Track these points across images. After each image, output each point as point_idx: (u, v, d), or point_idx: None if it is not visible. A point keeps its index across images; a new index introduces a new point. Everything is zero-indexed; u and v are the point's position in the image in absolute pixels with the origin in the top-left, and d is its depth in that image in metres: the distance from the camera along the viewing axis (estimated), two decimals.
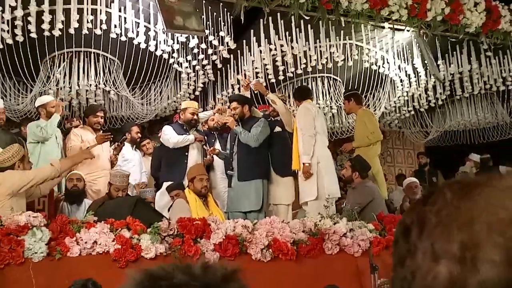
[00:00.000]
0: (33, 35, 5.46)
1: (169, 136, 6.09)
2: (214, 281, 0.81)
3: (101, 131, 6.18)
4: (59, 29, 5.48)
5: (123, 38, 5.83)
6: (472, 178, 0.57)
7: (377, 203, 5.53)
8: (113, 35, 5.77)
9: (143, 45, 5.93)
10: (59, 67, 6.41)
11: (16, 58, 5.94)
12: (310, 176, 5.57)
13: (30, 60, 5.98)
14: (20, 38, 5.48)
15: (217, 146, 6.39)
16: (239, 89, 6.99)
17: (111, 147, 6.23)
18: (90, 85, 6.55)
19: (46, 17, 5.32)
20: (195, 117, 6.28)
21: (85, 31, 5.60)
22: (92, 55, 6.48)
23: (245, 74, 6.68)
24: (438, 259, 0.52)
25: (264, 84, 6.52)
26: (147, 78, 6.88)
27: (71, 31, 5.55)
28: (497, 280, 0.48)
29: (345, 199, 6.24)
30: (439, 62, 7.15)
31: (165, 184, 5.98)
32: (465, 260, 0.50)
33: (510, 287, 0.47)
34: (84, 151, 5.38)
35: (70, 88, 6.56)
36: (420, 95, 8.00)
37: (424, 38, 6.73)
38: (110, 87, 6.61)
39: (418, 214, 0.56)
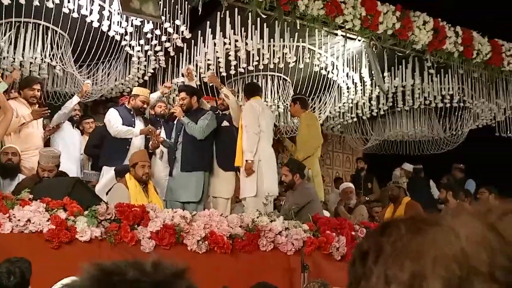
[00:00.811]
0: None
1: (113, 122, 6.00)
2: (164, 278, 0.83)
3: (37, 106, 5.84)
4: None
5: (76, 15, 5.69)
6: (424, 216, 0.65)
7: (315, 204, 5.70)
8: (65, 10, 5.62)
9: (95, 24, 5.80)
10: (4, 36, 6.16)
11: None
12: (252, 173, 5.66)
13: None
14: None
15: (162, 133, 6.36)
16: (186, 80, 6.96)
17: (45, 130, 6.00)
18: (36, 58, 6.33)
19: None
20: (145, 105, 6.23)
21: (36, 2, 5.43)
22: (41, 27, 6.27)
23: (196, 65, 6.67)
24: (389, 284, 0.59)
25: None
26: (96, 57, 6.73)
27: (22, 0, 5.36)
28: None
29: (283, 197, 6.38)
30: (385, 74, 7.39)
31: (105, 169, 5.90)
32: (413, 287, 0.57)
33: None
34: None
35: (14, 59, 6.32)
36: (364, 103, 8.26)
37: (374, 49, 6.94)
38: (57, 62, 6.42)
39: (375, 242, 0.64)
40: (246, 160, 5.65)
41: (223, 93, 6.09)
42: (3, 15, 5.80)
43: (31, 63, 6.57)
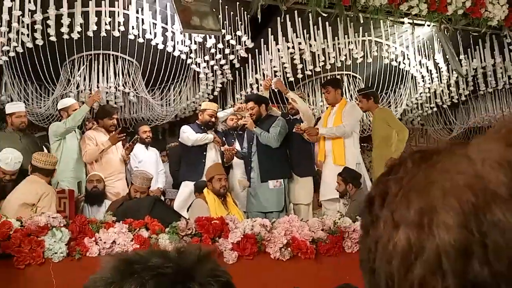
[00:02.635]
0: (53, 38, 5.53)
1: (188, 133, 6.11)
2: (188, 263, 0.84)
3: (113, 132, 6.01)
4: (78, 32, 5.54)
5: (141, 40, 5.86)
6: (433, 147, 0.57)
7: None
8: (131, 37, 5.81)
9: (160, 46, 5.95)
10: (79, 70, 6.48)
11: (36, 62, 6.02)
12: None
13: (50, 63, 6.06)
14: (40, 42, 5.56)
15: (237, 145, 6.39)
16: (257, 88, 6.97)
17: (124, 148, 6.18)
18: (110, 87, 6.60)
19: (65, 20, 5.38)
20: (213, 119, 6.27)
21: (103, 33, 5.65)
22: (111, 57, 6.53)
23: (266, 76, 6.66)
24: (398, 227, 0.51)
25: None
26: (165, 79, 6.91)
27: (90, 33, 5.60)
28: (452, 243, 0.47)
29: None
30: (461, 57, 7.02)
31: (184, 184, 5.98)
32: (422, 225, 0.49)
33: (463, 249, 0.47)
34: None
35: (90, 90, 6.61)
36: (442, 91, 7.87)
37: (445, 32, 6.61)
38: (129, 89, 6.65)
39: (381, 184, 0.56)
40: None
41: (290, 97, 6.01)
42: (75, 50, 6.08)
43: (106, 92, 6.87)
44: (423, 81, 7.46)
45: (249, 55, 6.56)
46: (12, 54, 5.70)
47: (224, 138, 6.40)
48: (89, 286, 0.88)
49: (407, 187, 0.52)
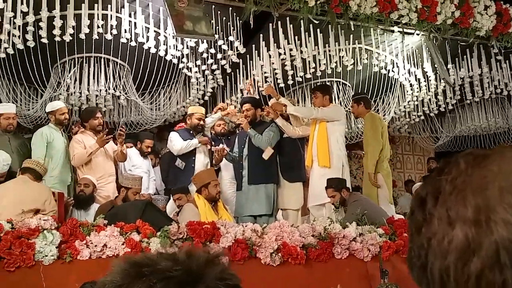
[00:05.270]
0: (44, 40, 5.51)
1: (174, 142, 6.13)
2: (197, 266, 0.85)
3: (101, 133, 5.88)
4: (70, 35, 5.52)
5: (133, 43, 5.86)
6: (484, 150, 0.60)
7: (373, 213, 5.38)
8: (123, 40, 5.81)
9: (153, 50, 5.95)
10: (69, 72, 6.45)
11: (27, 64, 5.99)
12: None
13: (41, 65, 6.03)
14: (31, 44, 5.52)
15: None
16: (247, 94, 6.99)
17: (118, 143, 6.09)
18: (100, 90, 6.57)
19: (57, 23, 5.36)
20: (201, 122, 6.30)
21: (95, 36, 5.64)
22: (102, 60, 6.51)
23: (254, 79, 6.70)
24: (453, 224, 0.54)
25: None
26: (156, 83, 6.90)
27: (82, 36, 5.59)
28: (511, 238, 0.50)
29: None
30: (449, 66, 7.11)
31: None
32: (480, 222, 0.52)
33: None
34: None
35: (80, 93, 6.59)
36: (430, 99, 7.94)
37: (434, 42, 6.70)
38: (120, 92, 6.63)
39: (433, 184, 0.59)
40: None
41: (281, 102, 6.06)
42: (66, 53, 6.06)
43: (96, 96, 6.84)
44: (411, 89, 7.53)
45: (241, 60, 6.59)
46: (2, 55, 5.65)
47: (212, 142, 6.41)
48: None
49: (461, 186, 0.55)
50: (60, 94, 6.50)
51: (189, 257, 0.87)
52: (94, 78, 6.51)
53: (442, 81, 7.35)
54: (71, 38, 5.58)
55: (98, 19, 5.56)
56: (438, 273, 0.55)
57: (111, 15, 5.61)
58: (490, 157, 0.57)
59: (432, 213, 0.57)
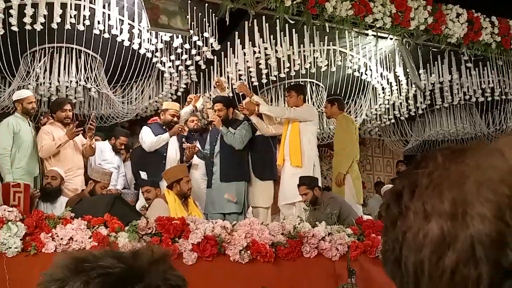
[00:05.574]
0: (15, 28, 5.38)
1: (145, 138, 6.08)
2: (140, 265, 0.86)
3: (71, 125, 5.78)
4: (41, 24, 5.40)
5: (106, 35, 5.77)
6: (462, 145, 0.60)
7: (346, 211, 5.47)
8: (96, 32, 5.71)
9: (126, 43, 5.87)
10: (39, 62, 6.30)
11: None
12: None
13: (11, 54, 5.88)
14: (0, 31, 5.39)
15: (198, 146, 6.36)
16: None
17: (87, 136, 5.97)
18: (71, 81, 6.45)
19: (29, 11, 5.24)
20: (175, 119, 6.25)
21: (67, 26, 5.52)
22: (74, 51, 6.39)
23: (230, 79, 6.68)
24: (429, 217, 0.53)
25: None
26: (129, 76, 6.81)
27: (54, 26, 5.47)
28: (488, 233, 0.50)
29: None
30: (421, 71, 7.22)
31: None
32: (456, 216, 0.52)
33: (498, 240, 0.50)
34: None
35: (50, 84, 6.45)
36: (401, 103, 8.05)
37: (407, 47, 6.80)
38: (91, 84, 6.52)
39: (410, 177, 0.58)
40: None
41: (254, 101, 6.06)
42: (37, 42, 5.92)
43: (67, 87, 6.71)
44: (383, 92, 7.63)
45: (215, 57, 6.55)
46: None
47: (184, 139, 6.36)
48: (40, 282, 0.89)
49: (438, 180, 0.54)
50: (29, 84, 6.35)
51: (134, 256, 0.88)
52: (65, 69, 6.38)
53: (413, 85, 7.46)
54: (42, 28, 5.46)
55: (70, 9, 5.45)
56: (413, 267, 0.54)
57: (84, 5, 5.51)
58: (468, 152, 0.56)
59: (408, 207, 0.56)
